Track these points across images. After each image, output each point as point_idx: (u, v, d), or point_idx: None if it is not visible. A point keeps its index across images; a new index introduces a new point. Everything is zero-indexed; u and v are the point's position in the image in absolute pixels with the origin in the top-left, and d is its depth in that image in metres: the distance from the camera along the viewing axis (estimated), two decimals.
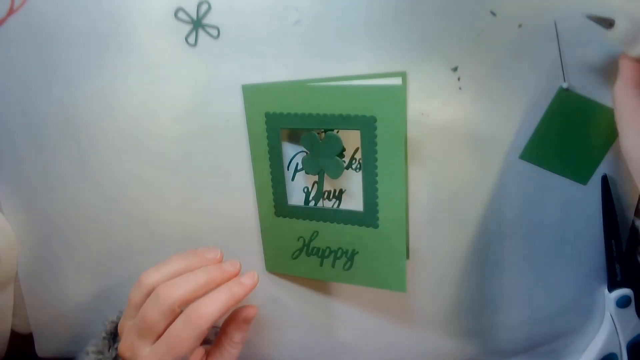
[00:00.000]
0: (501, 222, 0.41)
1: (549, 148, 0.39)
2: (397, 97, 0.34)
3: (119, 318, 0.37)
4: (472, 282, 0.43)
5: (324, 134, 0.37)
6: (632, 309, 0.43)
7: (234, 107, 0.38)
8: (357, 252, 0.39)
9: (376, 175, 0.36)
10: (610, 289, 0.43)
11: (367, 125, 0.35)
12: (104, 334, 0.37)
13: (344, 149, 0.38)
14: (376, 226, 0.38)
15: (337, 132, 0.37)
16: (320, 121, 0.36)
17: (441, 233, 0.41)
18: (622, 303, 0.43)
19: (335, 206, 0.40)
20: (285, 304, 0.45)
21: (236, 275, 0.34)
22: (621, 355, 0.44)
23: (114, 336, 0.37)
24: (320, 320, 0.45)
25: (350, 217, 0.38)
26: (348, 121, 0.35)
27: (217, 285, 0.33)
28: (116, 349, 0.35)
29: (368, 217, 0.38)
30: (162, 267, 0.34)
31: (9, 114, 0.39)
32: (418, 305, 0.44)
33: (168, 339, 0.31)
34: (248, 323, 0.36)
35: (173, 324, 0.32)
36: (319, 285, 0.43)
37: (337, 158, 0.37)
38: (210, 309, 0.31)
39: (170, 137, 0.39)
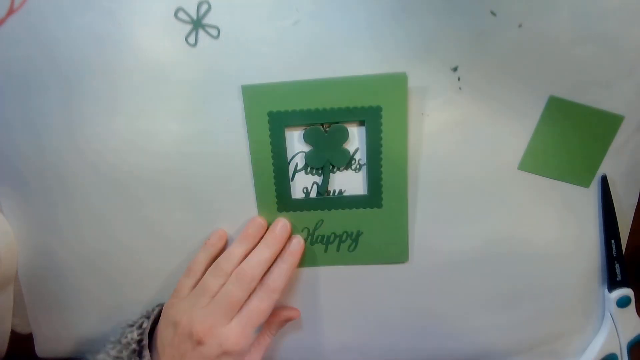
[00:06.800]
0: (501, 222, 0.41)
1: (547, 156, 0.39)
2: (401, 85, 0.37)
3: (133, 340, 0.37)
4: (472, 282, 0.43)
5: (325, 127, 0.38)
6: (632, 309, 0.43)
7: (234, 107, 0.38)
8: (362, 233, 0.41)
9: (381, 160, 0.38)
10: (610, 289, 0.43)
11: (373, 115, 0.37)
12: (126, 354, 0.36)
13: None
14: (380, 206, 0.40)
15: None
16: (325, 115, 0.38)
17: (441, 233, 0.41)
18: (622, 303, 0.43)
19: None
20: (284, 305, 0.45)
21: (289, 235, 0.40)
22: (621, 355, 0.44)
23: (139, 353, 0.37)
24: (319, 321, 0.45)
25: (354, 202, 0.40)
26: (354, 113, 0.37)
27: (278, 253, 0.39)
28: None
29: (372, 199, 0.40)
30: (233, 254, 0.38)
31: (9, 114, 0.39)
32: (418, 306, 0.44)
33: (249, 312, 0.36)
34: (288, 321, 0.43)
35: (251, 298, 0.37)
36: (319, 285, 0.43)
37: (343, 148, 0.39)
38: (280, 282, 0.37)
39: (171, 136, 0.39)
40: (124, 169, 0.40)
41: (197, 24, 0.36)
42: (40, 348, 0.47)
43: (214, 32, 0.36)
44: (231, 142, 0.39)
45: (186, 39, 0.36)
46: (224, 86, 0.38)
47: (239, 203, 0.41)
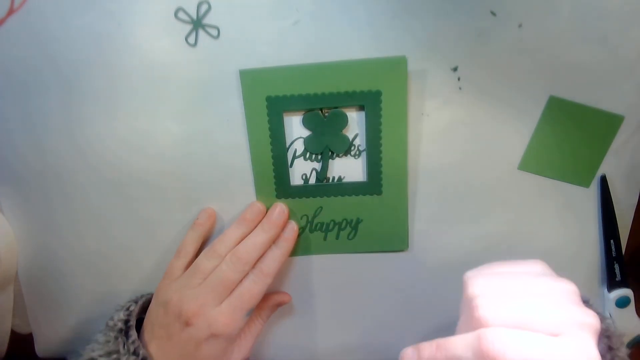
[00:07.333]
0: (501, 222, 0.41)
1: (547, 156, 0.39)
2: (401, 69, 0.36)
3: (120, 320, 0.37)
4: None
5: (324, 112, 0.38)
6: (631, 309, 0.43)
7: (234, 107, 0.38)
8: (362, 221, 0.41)
9: (380, 146, 0.38)
10: (610, 289, 0.43)
11: (372, 100, 0.37)
12: (114, 335, 0.36)
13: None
14: (380, 193, 0.39)
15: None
16: (324, 100, 0.37)
17: (441, 232, 0.41)
18: (622, 303, 0.43)
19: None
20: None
21: (286, 220, 0.40)
22: None
23: (125, 332, 0.37)
24: (318, 319, 0.45)
25: (354, 188, 0.40)
26: (353, 97, 0.37)
27: (275, 238, 0.39)
28: (133, 342, 0.36)
29: (372, 186, 0.39)
30: (229, 237, 0.38)
31: (9, 114, 0.39)
32: (417, 305, 0.44)
33: (241, 294, 0.36)
34: (279, 306, 0.43)
35: (243, 281, 0.37)
36: (317, 283, 0.43)
37: (343, 134, 0.39)
38: (273, 267, 0.38)
39: (170, 137, 0.39)
40: (123, 169, 0.40)
41: (197, 24, 0.36)
42: (40, 348, 0.47)
43: (214, 32, 0.36)
44: (231, 142, 0.39)
45: (186, 39, 0.36)
46: (224, 86, 0.38)
47: (238, 203, 0.41)
